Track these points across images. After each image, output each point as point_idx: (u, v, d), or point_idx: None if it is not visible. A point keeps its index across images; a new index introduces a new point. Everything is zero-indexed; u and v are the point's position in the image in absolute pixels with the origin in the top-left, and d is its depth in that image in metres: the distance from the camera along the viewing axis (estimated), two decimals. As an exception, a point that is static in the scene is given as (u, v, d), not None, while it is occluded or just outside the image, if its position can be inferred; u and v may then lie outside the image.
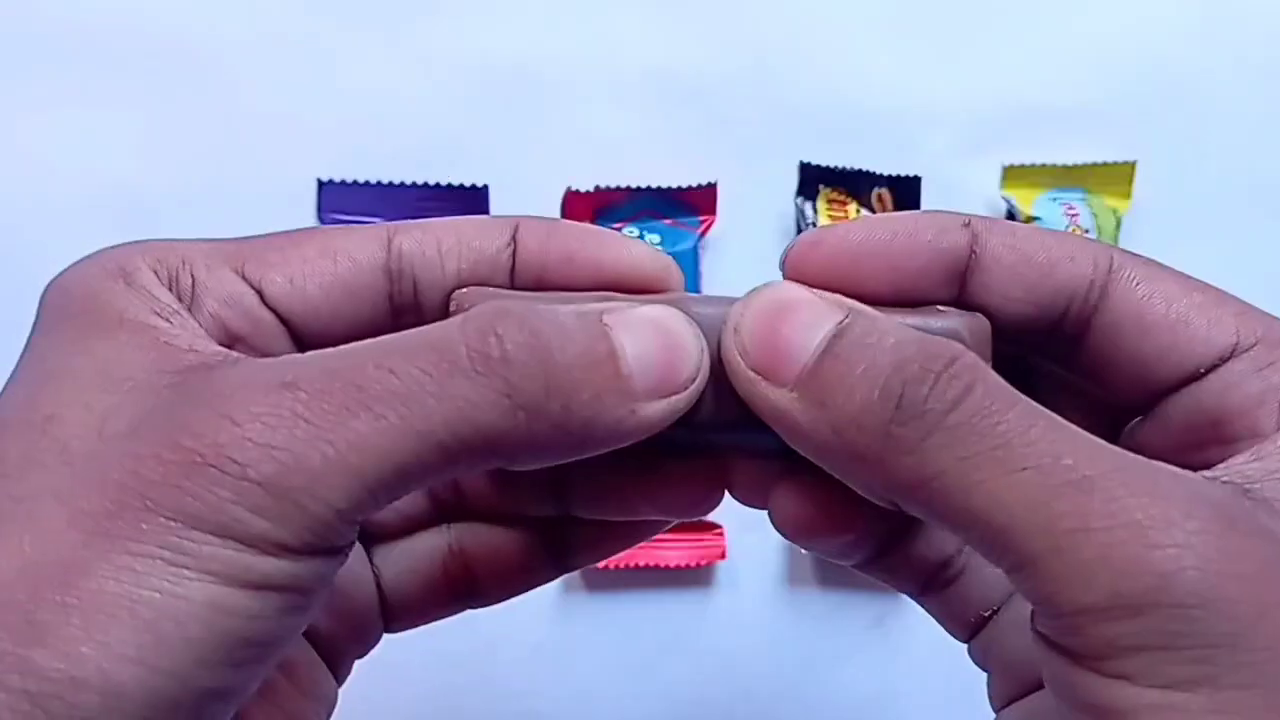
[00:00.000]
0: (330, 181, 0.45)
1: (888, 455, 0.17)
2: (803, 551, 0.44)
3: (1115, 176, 0.47)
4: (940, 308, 0.21)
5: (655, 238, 0.45)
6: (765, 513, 0.23)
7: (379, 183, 0.45)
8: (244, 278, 0.21)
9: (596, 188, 0.45)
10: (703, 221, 0.46)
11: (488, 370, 0.18)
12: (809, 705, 0.44)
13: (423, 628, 0.26)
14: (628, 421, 0.19)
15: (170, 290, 0.20)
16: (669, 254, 0.48)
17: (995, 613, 0.23)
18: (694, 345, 0.20)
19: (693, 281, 0.44)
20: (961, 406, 0.17)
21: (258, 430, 0.17)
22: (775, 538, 0.46)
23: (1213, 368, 0.20)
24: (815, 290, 0.20)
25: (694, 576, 0.44)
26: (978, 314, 0.21)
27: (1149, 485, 0.17)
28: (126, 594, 0.16)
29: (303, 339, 0.22)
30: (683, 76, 0.48)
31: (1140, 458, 0.18)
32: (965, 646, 0.24)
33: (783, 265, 0.22)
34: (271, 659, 0.18)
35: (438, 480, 0.19)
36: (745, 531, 0.44)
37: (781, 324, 0.19)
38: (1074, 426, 0.18)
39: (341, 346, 0.19)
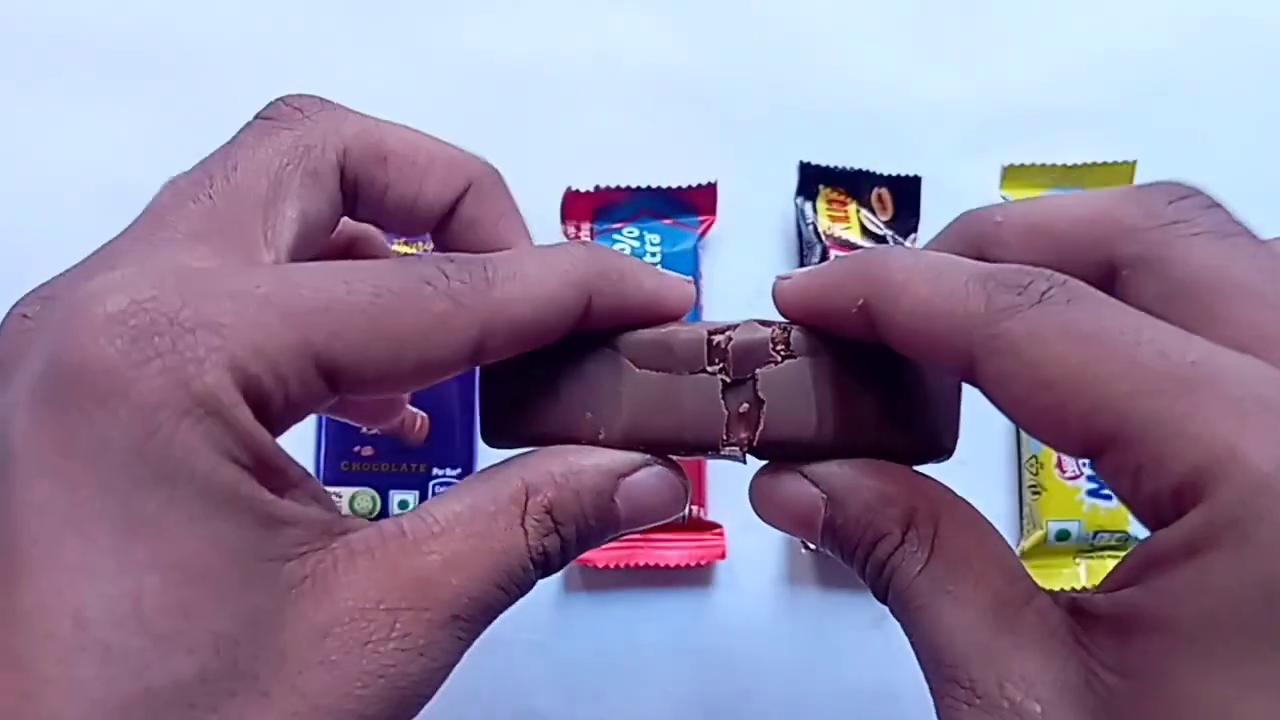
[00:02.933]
0: (330, 181, 0.45)
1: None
2: (803, 551, 0.44)
3: (1115, 176, 0.47)
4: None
5: (655, 237, 0.45)
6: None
7: (379, 182, 0.45)
8: (327, 382, 0.20)
9: (596, 188, 0.45)
10: (703, 221, 0.46)
11: None
12: (809, 705, 0.43)
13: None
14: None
15: (258, 418, 0.19)
16: (669, 253, 0.48)
17: None
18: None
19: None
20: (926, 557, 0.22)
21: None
22: (775, 537, 0.46)
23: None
24: (787, 475, 0.23)
25: (694, 576, 0.44)
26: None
27: None
28: None
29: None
30: (683, 76, 0.48)
31: None
32: None
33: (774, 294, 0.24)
34: None
35: None
36: (745, 531, 0.44)
37: (790, 506, 0.23)
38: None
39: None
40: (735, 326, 0.23)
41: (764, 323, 0.23)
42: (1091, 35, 0.49)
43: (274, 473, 0.19)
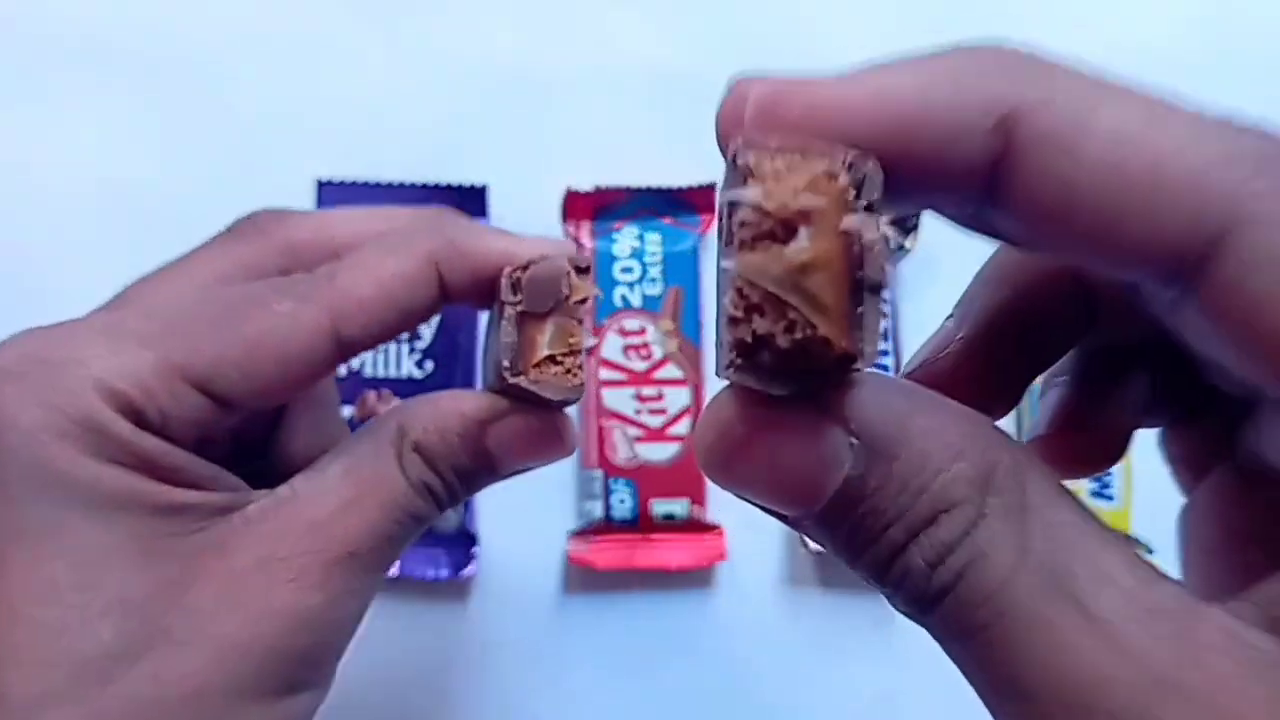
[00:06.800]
0: (330, 181, 0.45)
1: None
2: (802, 551, 0.44)
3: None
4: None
5: (655, 237, 0.45)
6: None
7: (379, 183, 0.45)
8: (206, 393, 0.23)
9: (596, 188, 0.45)
10: (703, 221, 0.46)
11: None
12: (809, 705, 0.43)
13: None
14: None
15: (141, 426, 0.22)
16: (669, 253, 0.48)
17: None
18: None
19: (693, 280, 0.44)
20: (961, 582, 0.14)
21: None
22: (775, 538, 0.46)
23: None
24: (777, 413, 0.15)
25: (694, 577, 0.44)
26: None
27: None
28: None
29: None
30: (683, 76, 0.47)
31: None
32: None
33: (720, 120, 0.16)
34: None
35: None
36: (745, 531, 0.44)
37: (790, 456, 0.15)
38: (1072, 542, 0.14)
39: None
40: (544, 260, 0.25)
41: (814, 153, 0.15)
42: (1091, 35, 0.49)
43: (170, 470, 0.22)
